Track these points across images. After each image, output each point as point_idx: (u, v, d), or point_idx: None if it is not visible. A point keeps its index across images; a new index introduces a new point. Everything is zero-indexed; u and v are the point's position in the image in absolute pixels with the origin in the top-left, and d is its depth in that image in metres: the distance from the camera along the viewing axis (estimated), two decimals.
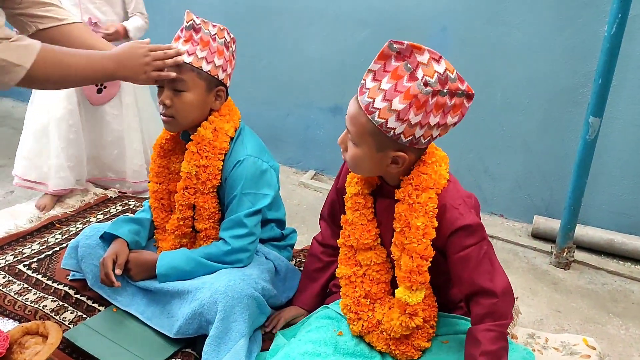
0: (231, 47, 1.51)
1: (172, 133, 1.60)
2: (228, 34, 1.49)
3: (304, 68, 2.55)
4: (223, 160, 1.52)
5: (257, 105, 2.63)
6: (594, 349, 1.47)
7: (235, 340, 1.35)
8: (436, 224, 1.18)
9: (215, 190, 1.54)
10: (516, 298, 1.65)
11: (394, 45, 1.08)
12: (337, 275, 1.40)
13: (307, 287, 1.58)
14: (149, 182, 1.66)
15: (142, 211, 1.69)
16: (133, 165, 2.34)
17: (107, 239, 1.59)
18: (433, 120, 1.11)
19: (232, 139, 1.53)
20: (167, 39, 1.49)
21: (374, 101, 1.10)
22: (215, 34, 1.45)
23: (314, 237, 1.61)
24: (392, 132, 1.11)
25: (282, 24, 2.53)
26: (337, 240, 1.39)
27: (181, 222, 1.56)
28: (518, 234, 2.26)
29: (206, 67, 1.45)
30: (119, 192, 2.37)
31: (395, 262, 1.27)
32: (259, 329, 1.52)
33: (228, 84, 1.53)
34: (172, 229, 1.57)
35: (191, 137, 1.52)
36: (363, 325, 1.32)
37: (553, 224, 2.14)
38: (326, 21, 2.43)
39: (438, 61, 1.08)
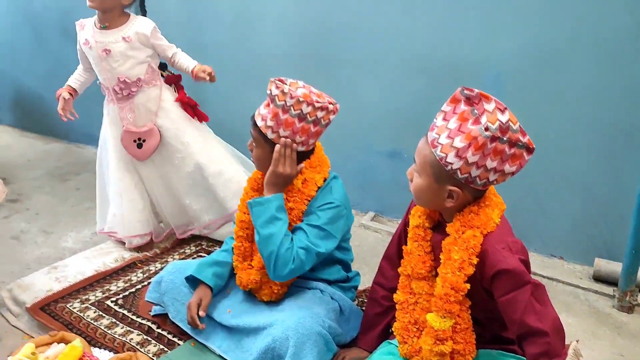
0: (310, 117, 1.58)
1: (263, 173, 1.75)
2: (309, 105, 1.56)
3: (364, 114, 2.69)
4: (307, 205, 1.66)
5: None
6: None
7: None
8: (475, 260, 1.26)
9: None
10: (577, 341, 1.67)
11: (465, 92, 1.22)
12: (394, 299, 1.49)
13: (368, 330, 1.66)
14: (236, 212, 1.80)
15: (223, 251, 1.83)
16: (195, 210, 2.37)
17: (192, 280, 1.74)
18: (490, 164, 1.21)
19: (320, 187, 1.68)
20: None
21: (439, 137, 1.23)
22: (291, 105, 1.56)
23: (374, 281, 1.69)
24: (449, 167, 1.23)
25: (343, 72, 2.68)
26: (399, 269, 1.49)
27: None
28: (579, 276, 2.27)
29: (270, 135, 1.61)
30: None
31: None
32: None
33: (300, 148, 1.63)
34: (259, 266, 1.70)
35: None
36: (407, 349, 1.41)
37: (615, 267, 2.15)
38: (385, 69, 2.57)
39: (502, 111, 1.20)
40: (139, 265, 2.25)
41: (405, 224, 1.56)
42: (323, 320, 1.57)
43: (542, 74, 2.21)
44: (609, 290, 2.13)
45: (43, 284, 2.10)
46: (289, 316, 1.55)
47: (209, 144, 2.37)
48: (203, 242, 2.46)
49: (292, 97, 1.56)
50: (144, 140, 2.26)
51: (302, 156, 1.67)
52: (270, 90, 1.59)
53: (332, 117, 1.68)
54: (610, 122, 2.13)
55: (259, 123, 1.61)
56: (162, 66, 2.36)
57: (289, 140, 1.60)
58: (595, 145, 2.18)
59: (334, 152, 2.84)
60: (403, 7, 2.44)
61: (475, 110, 1.20)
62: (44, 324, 1.84)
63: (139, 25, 2.20)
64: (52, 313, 1.91)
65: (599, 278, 2.21)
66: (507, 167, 1.23)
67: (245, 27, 2.93)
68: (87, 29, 2.20)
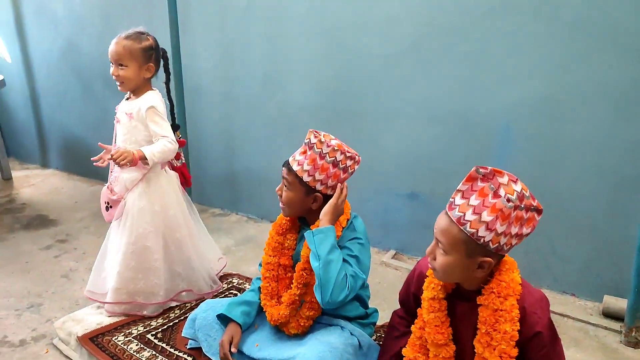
0: (341, 164, 1.80)
1: (290, 218, 1.95)
2: (342, 153, 1.78)
3: (383, 159, 2.88)
4: None
5: None
6: None
7: None
8: (518, 327, 1.38)
9: None
10: None
11: (480, 170, 1.35)
12: (402, 354, 1.62)
13: (385, 353, 1.77)
14: (263, 256, 1.99)
15: (251, 291, 2.02)
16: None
17: (223, 318, 1.94)
18: (513, 230, 1.34)
19: (344, 228, 1.86)
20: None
21: (464, 214, 1.33)
22: (327, 153, 1.77)
23: (393, 312, 1.85)
24: (482, 240, 1.32)
25: (364, 123, 2.89)
26: (412, 327, 1.62)
27: (296, 297, 1.88)
28: (589, 312, 2.37)
29: (306, 178, 1.80)
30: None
31: (476, 356, 1.46)
32: None
33: (329, 193, 1.84)
34: (288, 302, 1.88)
35: (310, 227, 1.86)
36: None
37: (623, 304, 2.25)
38: (403, 120, 2.77)
39: (515, 182, 1.35)
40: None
41: (412, 294, 1.69)
42: (341, 354, 1.73)
43: (550, 124, 2.37)
44: (616, 326, 2.24)
45: (93, 318, 2.32)
46: (310, 350, 1.71)
47: (156, 235, 2.34)
48: (234, 280, 2.65)
49: (328, 146, 1.78)
50: (111, 206, 2.34)
51: (327, 199, 1.86)
52: (309, 139, 1.81)
53: (356, 167, 1.88)
54: (617, 170, 2.27)
55: (295, 167, 1.81)
56: (175, 127, 2.46)
57: (345, 183, 1.81)
58: (603, 191, 2.32)
59: (357, 195, 3.04)
60: (419, 62, 2.64)
61: (492, 185, 1.33)
62: (92, 353, 2.06)
63: (142, 101, 2.23)
64: (99, 344, 2.12)
65: (608, 314, 2.31)
66: (525, 230, 1.37)
67: (273, 83, 3.18)
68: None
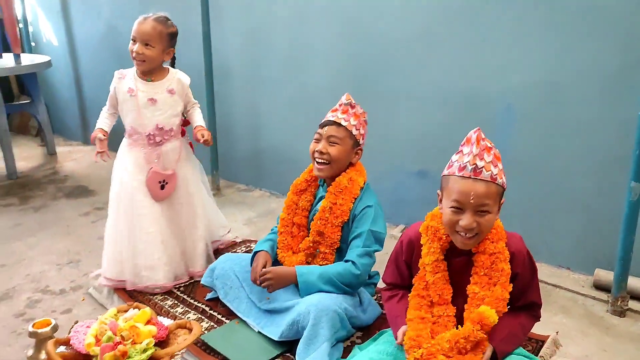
0: (367, 125, 2.14)
1: (307, 177, 2.20)
2: (366, 116, 2.13)
3: (396, 139, 3.06)
4: (353, 203, 2.08)
5: None
6: None
7: (321, 342, 1.82)
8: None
9: (342, 225, 2.09)
10: (556, 333, 1.96)
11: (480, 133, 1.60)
12: (407, 319, 1.72)
13: (399, 314, 1.78)
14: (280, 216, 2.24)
15: (273, 233, 2.28)
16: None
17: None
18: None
19: (362, 188, 2.10)
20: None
21: (492, 172, 1.55)
22: (361, 113, 2.10)
23: (381, 289, 1.98)
24: (505, 185, 1.61)
25: (377, 103, 3.07)
26: (409, 295, 1.77)
27: (311, 244, 2.12)
28: (581, 284, 2.52)
29: (354, 132, 2.06)
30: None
31: (469, 299, 1.65)
32: (341, 342, 1.98)
33: (362, 147, 2.14)
34: (304, 248, 2.13)
35: (332, 183, 2.10)
36: (421, 353, 1.60)
37: (612, 276, 2.39)
38: (413, 100, 2.94)
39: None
40: None
41: (404, 262, 1.82)
42: (340, 302, 1.94)
43: (549, 106, 2.51)
44: (605, 297, 2.38)
45: None
46: (313, 297, 1.94)
47: (205, 199, 2.67)
48: (252, 245, 2.89)
49: (360, 108, 2.11)
50: (166, 183, 2.44)
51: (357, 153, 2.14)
52: (350, 100, 2.09)
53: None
54: (607, 150, 2.40)
55: (344, 123, 2.06)
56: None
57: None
58: (595, 169, 2.46)
59: (371, 172, 3.23)
60: (429, 46, 2.82)
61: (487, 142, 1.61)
62: (123, 300, 2.33)
63: (180, 75, 2.47)
64: (129, 293, 2.39)
65: (598, 286, 2.46)
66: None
67: (296, 65, 3.39)
68: (128, 79, 2.41)
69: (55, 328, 1.97)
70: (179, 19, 3.76)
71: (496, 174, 1.56)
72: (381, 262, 2.58)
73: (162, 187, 2.45)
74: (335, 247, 2.10)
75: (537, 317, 1.74)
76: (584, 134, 2.45)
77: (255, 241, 2.93)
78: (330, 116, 2.10)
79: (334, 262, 2.10)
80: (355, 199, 2.08)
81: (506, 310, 1.62)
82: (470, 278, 1.66)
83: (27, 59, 4.34)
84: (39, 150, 4.90)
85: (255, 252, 2.18)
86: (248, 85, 3.71)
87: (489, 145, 1.59)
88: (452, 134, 2.89)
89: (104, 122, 2.50)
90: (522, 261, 1.65)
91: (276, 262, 2.21)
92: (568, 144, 2.50)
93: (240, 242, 2.94)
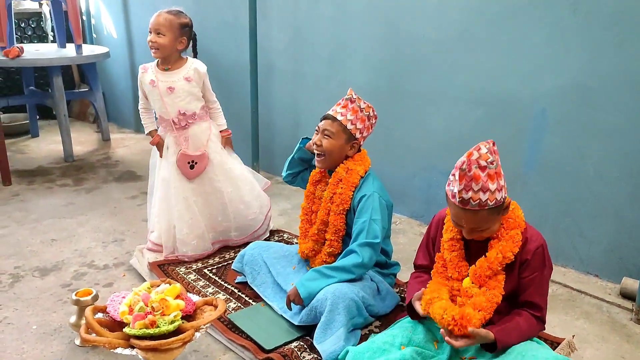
0: (371, 120, 2.19)
1: (320, 170, 2.29)
2: (373, 111, 2.18)
3: (429, 138, 3.11)
4: (354, 192, 2.16)
5: (390, 166, 3.23)
6: None
7: (337, 328, 1.91)
8: (517, 249, 1.70)
9: (344, 213, 2.17)
10: (572, 336, 1.98)
11: (464, 167, 1.60)
12: (427, 289, 1.83)
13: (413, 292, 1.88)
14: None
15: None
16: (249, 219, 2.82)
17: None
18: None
19: (362, 177, 2.17)
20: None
21: (480, 199, 1.58)
22: (364, 108, 2.15)
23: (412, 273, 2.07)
24: (503, 201, 1.65)
25: (413, 102, 3.13)
26: (432, 272, 1.89)
27: (316, 232, 2.23)
28: (608, 292, 2.50)
29: (349, 126, 2.13)
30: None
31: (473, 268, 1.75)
32: (359, 329, 2.07)
33: (362, 142, 2.20)
34: (312, 235, 2.24)
35: (332, 174, 2.20)
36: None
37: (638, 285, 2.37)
38: (448, 101, 2.98)
39: (481, 148, 1.63)
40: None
41: (430, 237, 1.96)
42: (358, 290, 2.03)
43: (582, 110, 2.51)
44: (631, 305, 2.36)
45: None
46: (330, 285, 2.03)
47: (243, 173, 2.87)
48: (285, 235, 3.00)
49: (364, 103, 2.16)
50: (195, 163, 2.65)
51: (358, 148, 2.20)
52: (351, 95, 2.16)
53: (374, 127, 2.23)
54: None
55: (340, 118, 2.14)
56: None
57: None
58: (628, 175, 2.44)
59: (404, 171, 3.31)
60: (465, 48, 2.85)
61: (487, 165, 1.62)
62: (158, 276, 2.48)
63: (197, 64, 2.63)
64: (165, 271, 2.55)
65: (625, 295, 2.44)
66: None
67: (336, 63, 3.48)
68: (149, 72, 2.61)
69: (95, 297, 2.15)
70: (227, 15, 3.95)
71: (486, 200, 1.58)
72: (399, 252, 2.63)
73: (192, 167, 2.66)
74: (341, 234, 2.20)
75: (541, 321, 1.75)
76: (617, 139, 2.44)
77: (289, 233, 3.04)
78: (330, 110, 2.18)
79: (340, 248, 2.20)
80: (355, 187, 2.16)
81: (490, 314, 1.67)
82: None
83: (87, 50, 4.59)
84: (94, 136, 5.18)
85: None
86: (290, 81, 3.82)
87: (478, 173, 1.56)
88: (485, 135, 2.92)
89: (150, 123, 2.77)
90: (534, 249, 1.70)
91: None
92: (601, 149, 2.49)
93: (273, 230, 3.06)
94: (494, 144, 1.65)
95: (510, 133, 2.75)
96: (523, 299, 1.73)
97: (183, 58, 2.67)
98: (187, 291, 2.34)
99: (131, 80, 5.15)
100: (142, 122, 2.78)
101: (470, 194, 1.58)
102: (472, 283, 1.73)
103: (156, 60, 2.64)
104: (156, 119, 2.76)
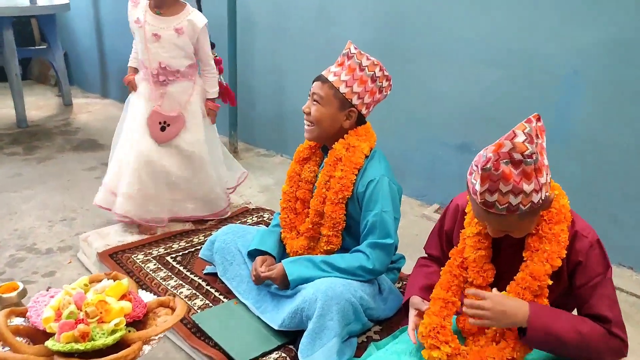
0: (379, 82, 1.69)
1: (310, 143, 1.82)
2: (381, 69, 1.67)
3: (434, 105, 2.68)
4: (357, 175, 1.69)
5: (387, 136, 2.74)
6: None
7: (329, 338, 1.50)
8: (564, 252, 1.29)
9: (344, 201, 1.70)
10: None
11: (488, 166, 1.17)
12: (431, 296, 1.48)
13: (414, 284, 1.56)
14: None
15: (275, 226, 1.91)
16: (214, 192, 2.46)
17: (253, 254, 1.83)
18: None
19: (366, 157, 1.71)
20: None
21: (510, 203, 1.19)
22: (366, 65, 1.65)
23: (420, 257, 1.69)
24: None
25: (416, 63, 2.69)
26: (443, 268, 1.47)
27: (311, 226, 1.76)
28: None
29: (343, 89, 1.66)
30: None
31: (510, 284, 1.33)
32: (355, 337, 1.65)
33: (363, 111, 1.71)
34: (304, 231, 1.78)
35: (329, 152, 1.73)
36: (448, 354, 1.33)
37: None
38: (458, 61, 2.54)
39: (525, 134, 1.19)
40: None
41: (444, 227, 1.55)
42: (355, 290, 1.61)
43: (623, 70, 2.10)
44: None
45: (118, 235, 2.30)
46: (322, 281, 1.60)
47: (215, 146, 2.51)
48: (265, 215, 2.57)
49: (368, 59, 1.66)
50: (168, 125, 2.31)
51: (360, 118, 1.72)
52: (349, 48, 1.67)
53: (388, 92, 1.75)
54: None
55: (332, 78, 1.67)
56: (212, 45, 2.41)
57: None
58: None
59: (402, 143, 2.87)
60: None
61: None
62: (109, 269, 2.03)
63: (193, 16, 2.26)
64: (118, 261, 2.10)
65: None
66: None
67: (327, 15, 3.03)
68: (139, 8, 2.25)
69: (22, 294, 1.71)
70: None
71: (517, 204, 1.18)
72: (410, 246, 2.26)
73: (163, 129, 2.31)
74: (340, 228, 1.74)
75: (614, 335, 1.28)
76: None
77: (271, 211, 2.61)
78: (324, 70, 1.73)
79: (340, 245, 1.76)
80: (359, 170, 1.70)
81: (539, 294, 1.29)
82: (524, 256, 1.32)
83: (44, 1, 4.06)
84: (55, 100, 4.67)
85: (256, 249, 1.83)
86: (274, 38, 3.35)
87: (508, 170, 1.15)
88: (503, 101, 2.51)
89: (133, 61, 2.43)
90: (587, 248, 1.29)
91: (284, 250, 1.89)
92: None
93: (252, 209, 2.62)
94: (538, 119, 1.21)
95: (533, 100, 2.33)
96: (584, 312, 1.31)
97: (181, 4, 2.29)
98: (143, 286, 1.92)
99: (96, 39, 4.61)
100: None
101: (496, 196, 1.18)
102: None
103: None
104: None
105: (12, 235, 2.40)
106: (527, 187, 1.16)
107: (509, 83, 2.41)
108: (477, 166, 1.20)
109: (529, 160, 1.15)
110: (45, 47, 4.37)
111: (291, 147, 3.45)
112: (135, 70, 2.40)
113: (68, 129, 3.93)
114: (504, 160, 1.16)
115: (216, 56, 2.41)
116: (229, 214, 2.54)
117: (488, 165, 1.15)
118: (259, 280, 1.72)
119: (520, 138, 1.16)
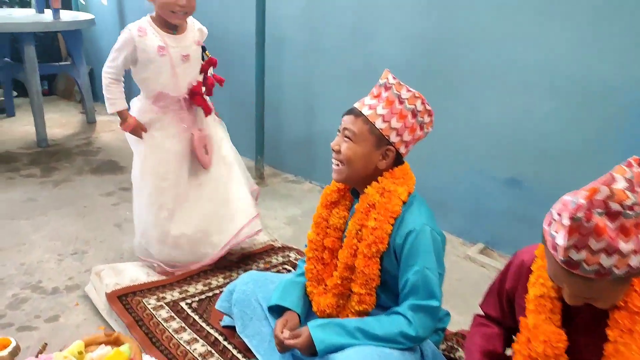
0: (420, 117, 1.45)
1: (339, 185, 1.59)
2: (423, 103, 1.45)
3: (481, 134, 2.42)
4: (393, 225, 1.45)
5: (427, 168, 2.52)
6: None
7: None
8: None
9: (379, 255, 1.45)
10: None
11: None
12: None
13: (474, 351, 1.36)
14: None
15: (299, 275, 1.68)
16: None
17: (274, 309, 1.60)
18: None
19: (404, 203, 1.47)
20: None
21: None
22: (406, 98, 1.43)
23: (475, 314, 1.45)
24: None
25: (461, 87, 2.43)
26: (513, 345, 1.24)
27: (339, 282, 1.52)
28: None
29: (380, 125, 1.43)
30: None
31: None
32: None
33: (401, 149, 1.47)
34: (331, 287, 1.54)
35: (360, 197, 1.50)
36: None
37: None
38: (508, 86, 2.28)
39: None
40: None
41: (505, 288, 1.32)
42: None
43: None
44: None
45: (132, 273, 2.10)
46: (355, 351, 1.35)
47: (237, 159, 2.32)
48: (291, 255, 2.34)
49: (408, 91, 1.44)
50: (205, 145, 2.16)
51: (398, 158, 1.48)
52: (387, 78, 1.45)
53: (430, 129, 1.51)
54: None
55: (366, 112, 1.43)
56: (203, 48, 2.17)
57: None
58: None
59: (445, 175, 2.61)
60: (535, 13, 2.14)
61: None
62: (116, 313, 1.83)
63: (197, 23, 2.13)
64: (127, 305, 1.89)
65: None
66: None
67: (362, 34, 2.79)
68: (151, 35, 1.98)
69: (15, 352, 1.51)
70: None
71: (610, 267, 0.95)
72: (453, 295, 2.01)
73: (207, 152, 2.17)
74: (374, 285, 1.47)
75: None
76: None
77: (298, 250, 2.37)
78: (357, 102, 1.49)
79: (374, 304, 1.50)
80: (396, 219, 1.44)
81: None
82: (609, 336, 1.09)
83: (68, 16, 3.95)
84: (78, 118, 4.53)
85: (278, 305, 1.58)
86: (305, 56, 3.13)
87: (603, 224, 0.93)
88: (560, 133, 2.23)
89: (122, 99, 2.14)
90: None
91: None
92: None
93: (278, 247, 2.39)
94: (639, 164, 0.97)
95: (595, 132, 2.06)
96: None
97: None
98: (152, 339, 1.70)
99: None
100: (109, 97, 2.12)
101: (583, 254, 0.95)
102: None
103: (148, 19, 2.03)
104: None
105: (19, 270, 2.22)
106: (624, 246, 0.94)
107: (567, 113, 2.14)
108: (559, 214, 0.97)
109: (629, 212, 0.93)
110: (69, 63, 4.25)
111: (321, 173, 3.24)
112: (128, 112, 2.13)
113: (89, 149, 3.78)
114: (598, 211, 0.93)
115: (209, 56, 2.17)
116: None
117: (578, 215, 0.92)
118: (282, 348, 1.48)
119: (621, 184, 0.94)
